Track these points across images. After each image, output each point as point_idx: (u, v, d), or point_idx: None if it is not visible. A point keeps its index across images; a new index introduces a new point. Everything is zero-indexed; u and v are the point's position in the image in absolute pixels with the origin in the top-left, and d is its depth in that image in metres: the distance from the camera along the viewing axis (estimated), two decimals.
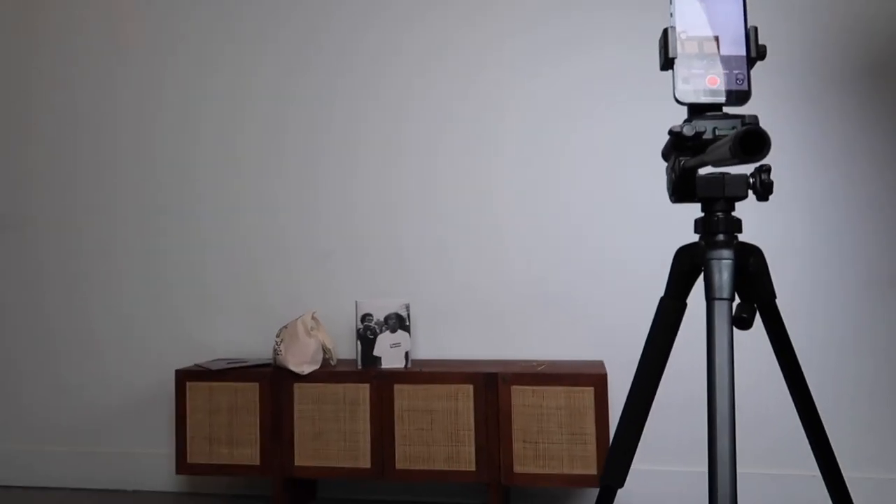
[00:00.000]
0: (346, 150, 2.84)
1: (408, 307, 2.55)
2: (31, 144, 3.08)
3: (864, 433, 2.49)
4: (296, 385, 2.50)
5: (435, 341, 2.76)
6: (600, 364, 2.53)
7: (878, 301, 2.49)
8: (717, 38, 1.01)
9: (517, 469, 2.38)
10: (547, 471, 2.37)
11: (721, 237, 0.99)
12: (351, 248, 2.83)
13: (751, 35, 1.00)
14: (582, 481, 2.35)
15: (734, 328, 0.95)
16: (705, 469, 2.54)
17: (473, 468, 2.40)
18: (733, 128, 0.96)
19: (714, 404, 0.88)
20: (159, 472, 2.90)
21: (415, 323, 2.75)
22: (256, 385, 2.53)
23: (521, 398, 2.39)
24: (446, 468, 2.42)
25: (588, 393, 2.36)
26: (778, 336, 1.02)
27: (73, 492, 2.93)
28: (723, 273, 0.95)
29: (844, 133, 2.52)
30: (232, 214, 2.91)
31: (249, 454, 2.53)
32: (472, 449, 2.41)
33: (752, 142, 0.76)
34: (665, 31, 1.01)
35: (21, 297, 3.06)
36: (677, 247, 1.08)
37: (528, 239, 2.71)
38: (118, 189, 3.00)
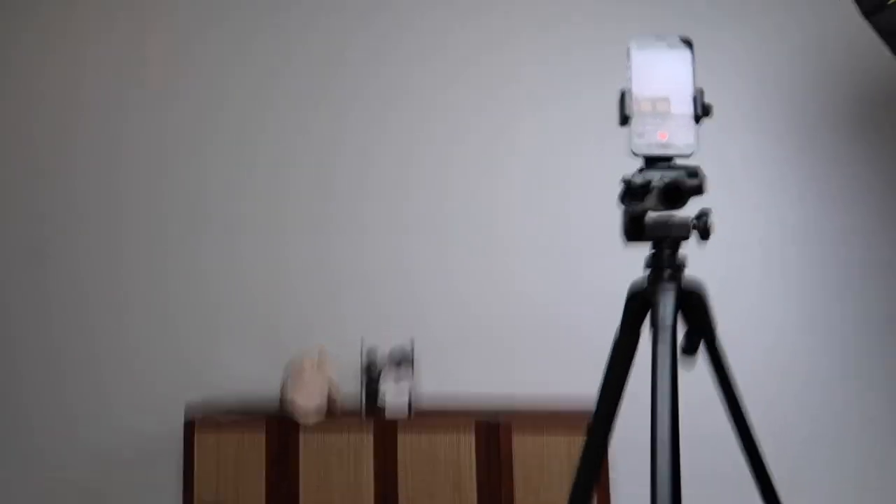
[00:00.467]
0: (356, 184, 3.05)
1: (412, 341, 2.71)
2: (38, 176, 3.31)
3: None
4: (301, 436, 2.65)
5: (441, 374, 2.91)
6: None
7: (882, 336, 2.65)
8: (668, 99, 1.19)
9: None
10: None
11: (667, 272, 1.16)
12: (359, 281, 3.01)
13: (697, 97, 1.19)
14: None
15: (682, 354, 1.11)
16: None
17: None
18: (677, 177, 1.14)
19: (656, 422, 1.03)
20: None
21: (420, 356, 2.89)
22: (263, 437, 2.68)
23: (523, 447, 2.52)
24: None
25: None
26: (717, 364, 1.19)
27: None
28: (667, 304, 1.12)
29: (850, 166, 2.71)
30: (240, 248, 3.12)
31: None
32: (475, 497, 2.53)
33: (672, 193, 0.93)
34: (622, 93, 1.20)
35: (32, 330, 3.24)
36: None
37: (537, 273, 2.88)
38: (127, 218, 3.20)
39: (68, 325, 3.23)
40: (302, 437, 2.65)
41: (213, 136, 3.19)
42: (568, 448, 2.49)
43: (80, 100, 3.32)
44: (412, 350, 2.71)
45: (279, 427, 2.67)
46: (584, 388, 2.79)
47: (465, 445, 2.56)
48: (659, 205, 0.98)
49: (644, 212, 1.13)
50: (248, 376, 3.06)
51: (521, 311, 2.89)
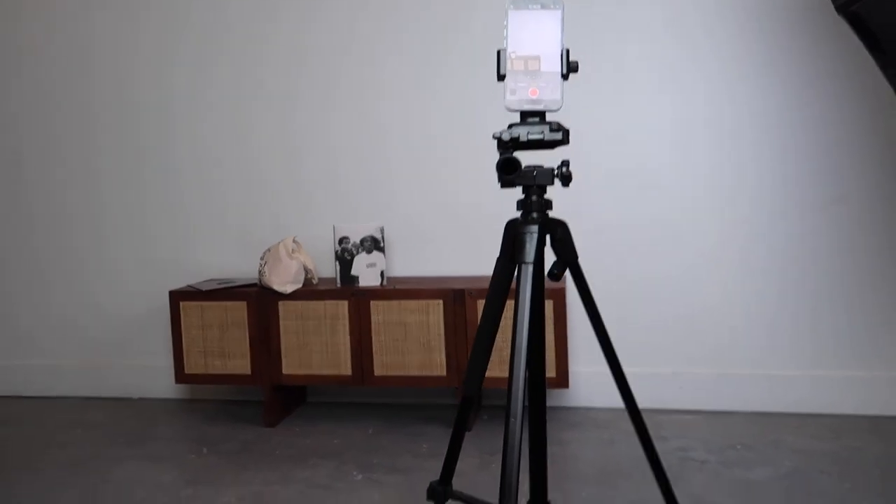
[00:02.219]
0: (325, 84, 3.35)
1: (382, 230, 3.08)
2: (17, 83, 3.63)
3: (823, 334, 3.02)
4: (280, 303, 3.06)
5: (409, 261, 3.33)
6: (562, 280, 3.03)
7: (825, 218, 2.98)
8: (539, 58, 1.47)
9: None
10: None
11: (533, 215, 1.49)
12: (329, 175, 3.36)
13: (563, 56, 1.46)
14: None
15: (548, 279, 1.47)
16: (652, 370, 3.10)
17: (444, 373, 2.98)
18: (541, 132, 1.43)
19: (515, 333, 1.38)
20: (161, 382, 3.55)
21: (390, 244, 3.29)
22: (244, 303, 3.10)
23: None
24: (419, 374, 3.01)
25: (548, 305, 2.88)
26: (581, 287, 1.53)
27: (85, 400, 3.61)
28: (531, 243, 1.45)
29: (802, 60, 2.95)
30: (211, 150, 3.48)
31: (241, 365, 3.13)
32: (443, 357, 2.97)
33: (506, 167, 1.25)
34: (499, 52, 1.48)
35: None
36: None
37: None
38: (102, 128, 3.54)
39: (48, 233, 3.67)
40: (281, 305, 3.07)
41: (185, 41, 3.47)
42: None
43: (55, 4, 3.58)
44: (382, 237, 3.07)
45: (259, 297, 3.09)
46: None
47: (435, 310, 2.97)
48: (500, 175, 1.31)
49: None
50: (225, 272, 3.50)
51: (482, 204, 3.24)
